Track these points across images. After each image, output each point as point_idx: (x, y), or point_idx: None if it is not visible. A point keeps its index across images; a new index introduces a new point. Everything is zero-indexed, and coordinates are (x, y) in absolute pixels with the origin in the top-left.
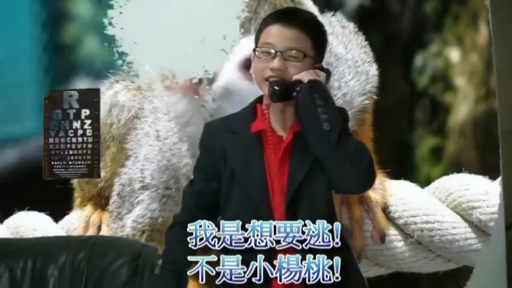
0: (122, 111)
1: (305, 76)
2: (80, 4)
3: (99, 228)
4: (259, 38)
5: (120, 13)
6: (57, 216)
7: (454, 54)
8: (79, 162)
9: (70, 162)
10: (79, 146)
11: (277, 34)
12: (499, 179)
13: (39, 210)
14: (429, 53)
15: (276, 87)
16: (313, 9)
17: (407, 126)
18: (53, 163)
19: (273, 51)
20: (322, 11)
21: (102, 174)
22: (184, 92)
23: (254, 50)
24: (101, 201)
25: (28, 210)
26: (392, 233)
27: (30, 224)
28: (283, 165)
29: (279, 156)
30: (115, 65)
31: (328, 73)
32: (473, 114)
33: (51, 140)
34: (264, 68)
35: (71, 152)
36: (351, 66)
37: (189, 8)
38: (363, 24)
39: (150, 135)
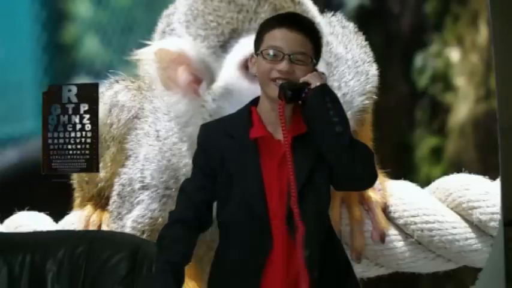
0: (121, 111)
1: (312, 79)
2: (80, 4)
3: (99, 228)
4: (263, 40)
5: None
6: (57, 216)
7: (454, 54)
8: (78, 157)
9: (69, 157)
10: (78, 141)
11: (284, 38)
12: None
13: (39, 210)
14: (429, 53)
15: (289, 91)
16: (313, 9)
17: (407, 126)
18: (51, 158)
19: (280, 54)
20: (322, 11)
21: (102, 174)
22: (184, 92)
23: (257, 52)
24: (101, 201)
25: (28, 210)
26: (393, 233)
27: (30, 224)
28: (282, 169)
29: (277, 160)
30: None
31: (325, 77)
32: (473, 114)
33: (49, 135)
34: (271, 69)
35: (69, 147)
36: (351, 66)
37: None
38: (363, 24)
39: (150, 135)
